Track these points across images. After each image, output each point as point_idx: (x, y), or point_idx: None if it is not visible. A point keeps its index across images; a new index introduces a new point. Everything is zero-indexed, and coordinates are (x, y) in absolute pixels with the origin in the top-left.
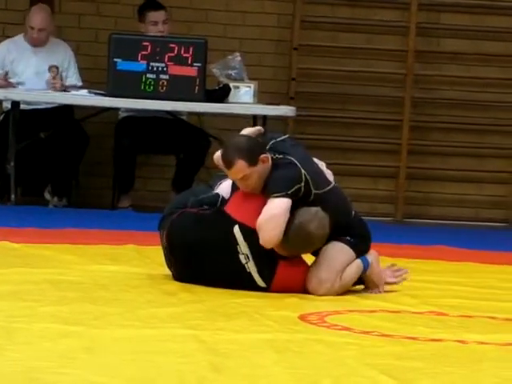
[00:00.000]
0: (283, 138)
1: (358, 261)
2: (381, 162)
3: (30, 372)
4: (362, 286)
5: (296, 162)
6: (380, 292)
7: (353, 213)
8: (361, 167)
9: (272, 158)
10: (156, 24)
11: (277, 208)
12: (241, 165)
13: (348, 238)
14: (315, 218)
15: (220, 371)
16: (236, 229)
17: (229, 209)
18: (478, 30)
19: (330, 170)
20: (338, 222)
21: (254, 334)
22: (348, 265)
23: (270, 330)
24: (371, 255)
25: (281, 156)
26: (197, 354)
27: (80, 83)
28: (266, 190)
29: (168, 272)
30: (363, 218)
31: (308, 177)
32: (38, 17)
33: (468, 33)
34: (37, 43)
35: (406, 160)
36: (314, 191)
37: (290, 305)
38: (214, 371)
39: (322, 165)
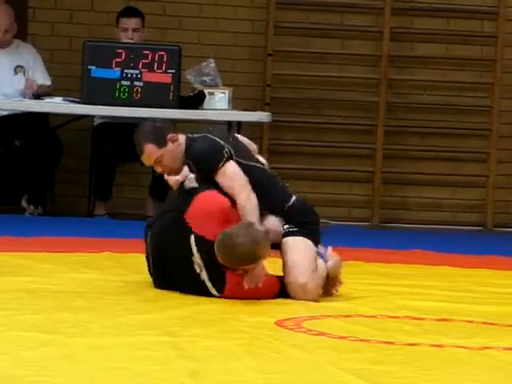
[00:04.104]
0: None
1: (319, 259)
2: (356, 167)
3: (7, 381)
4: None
5: (206, 134)
6: (336, 292)
7: (292, 198)
8: (336, 172)
9: (186, 137)
10: (126, 31)
11: (231, 173)
12: (150, 149)
13: (296, 228)
14: (246, 231)
15: (197, 378)
16: (192, 239)
17: (188, 217)
18: (451, 35)
19: (306, 175)
20: (273, 207)
21: (230, 341)
22: (314, 256)
23: (247, 335)
24: (333, 258)
25: (191, 135)
26: (174, 361)
27: (49, 82)
28: (205, 173)
29: (144, 279)
30: (339, 222)
31: (223, 142)
32: (2, 16)
33: (441, 37)
34: (2, 44)
35: (381, 165)
36: (235, 158)
37: (267, 310)
38: (191, 378)
39: (264, 161)
